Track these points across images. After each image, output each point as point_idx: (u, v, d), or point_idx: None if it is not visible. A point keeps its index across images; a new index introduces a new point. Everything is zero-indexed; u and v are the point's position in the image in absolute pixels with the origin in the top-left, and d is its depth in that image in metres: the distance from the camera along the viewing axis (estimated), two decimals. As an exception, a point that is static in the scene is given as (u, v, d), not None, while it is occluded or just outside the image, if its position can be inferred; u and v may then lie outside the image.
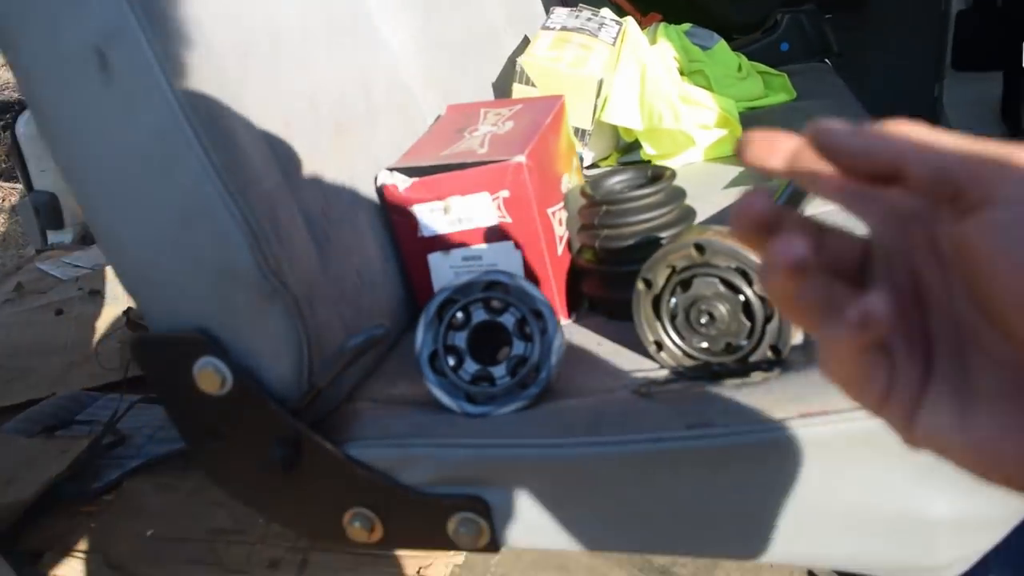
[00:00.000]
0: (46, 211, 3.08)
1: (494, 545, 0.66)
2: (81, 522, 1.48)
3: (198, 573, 1.33)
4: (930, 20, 2.14)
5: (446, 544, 0.67)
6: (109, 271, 2.74)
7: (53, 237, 3.13)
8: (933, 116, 2.21)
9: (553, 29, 1.27)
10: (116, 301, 2.48)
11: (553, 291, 0.81)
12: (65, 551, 1.40)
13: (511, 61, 1.34)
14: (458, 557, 1.32)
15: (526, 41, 1.44)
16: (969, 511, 0.57)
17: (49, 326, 2.41)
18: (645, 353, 0.70)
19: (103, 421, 1.70)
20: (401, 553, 1.30)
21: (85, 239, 3.18)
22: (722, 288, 0.65)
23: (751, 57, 1.63)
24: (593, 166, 1.33)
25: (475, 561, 1.33)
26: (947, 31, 2.15)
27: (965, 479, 0.54)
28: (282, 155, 0.70)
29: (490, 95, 1.28)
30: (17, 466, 1.57)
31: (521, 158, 0.76)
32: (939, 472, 0.55)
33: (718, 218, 0.98)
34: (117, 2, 0.57)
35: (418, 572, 1.27)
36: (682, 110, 1.22)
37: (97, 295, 2.57)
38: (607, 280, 0.80)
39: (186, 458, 1.56)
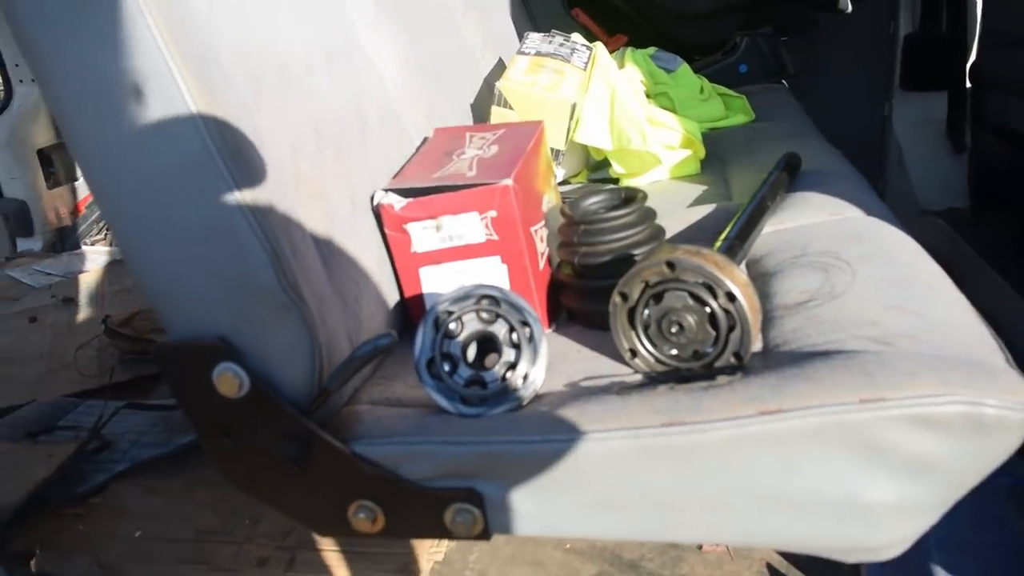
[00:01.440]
0: (16, 218, 3.11)
1: (486, 533, 0.74)
2: (70, 524, 1.52)
3: (188, 572, 1.39)
4: (879, 42, 2.25)
5: (443, 533, 0.74)
6: (82, 279, 2.77)
7: (23, 244, 3.16)
8: (882, 133, 2.32)
9: (528, 54, 1.35)
10: (91, 308, 2.52)
11: (535, 303, 0.89)
12: (55, 552, 1.44)
13: (488, 84, 1.42)
14: (438, 554, 1.39)
15: (501, 64, 1.52)
16: (907, 496, 0.65)
17: (24, 333, 2.44)
18: (621, 360, 0.78)
19: (87, 426, 1.75)
20: (384, 551, 1.37)
21: (55, 247, 3.21)
22: (690, 301, 0.73)
23: (712, 79, 1.72)
24: (564, 182, 1.41)
25: (454, 557, 1.40)
26: (895, 53, 2.26)
27: (905, 467, 0.63)
28: (291, 178, 0.77)
29: (469, 114, 1.36)
30: (3, 471, 1.61)
31: (508, 181, 0.84)
32: (881, 461, 0.63)
33: (685, 235, 1.06)
34: (153, 49, 0.64)
35: (400, 569, 1.34)
36: (649, 132, 1.31)
37: (71, 303, 2.60)
38: (585, 293, 0.88)
39: (198, 452, 1.59)
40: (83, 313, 2.51)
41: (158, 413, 1.82)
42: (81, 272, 2.83)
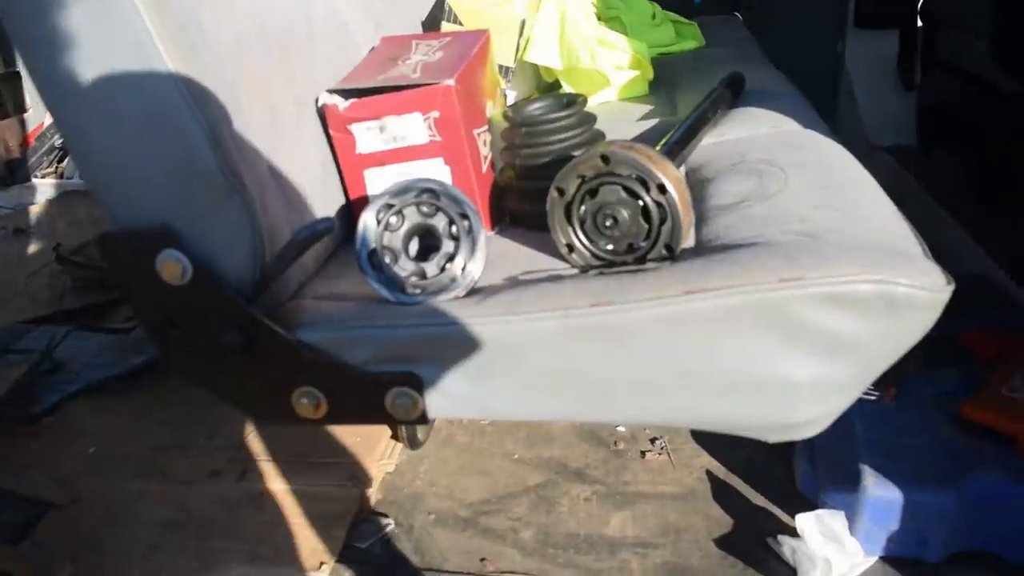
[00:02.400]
0: (-36, 152, 3.04)
1: (424, 417, 0.76)
2: (23, 443, 1.53)
3: (142, 485, 1.41)
4: (834, -21, 2.27)
5: (384, 417, 0.77)
6: (33, 211, 2.73)
7: (-29, 178, 3.09)
8: (835, 70, 2.35)
9: (480, -28, 1.34)
10: (42, 239, 2.49)
11: (479, 205, 0.91)
12: (10, 468, 1.45)
13: (439, 2, 1.41)
14: (389, 465, 1.42)
15: (454, -17, 1.51)
16: (825, 374, 0.68)
17: (-26, 265, 2.41)
18: (560, 257, 0.80)
19: (39, 350, 1.75)
20: (334, 460, 1.39)
21: (4, 180, 3.15)
22: (624, 195, 0.75)
23: (666, 7, 1.73)
24: (522, 100, 1.41)
25: (405, 468, 1.43)
26: (849, -10, 2.28)
27: (822, 345, 0.66)
28: (233, 70, 0.78)
29: (419, 31, 1.36)
30: (-46, 392, 1.61)
31: (450, 82, 0.85)
32: (799, 339, 0.66)
33: (627, 144, 1.08)
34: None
35: (351, 478, 1.37)
36: (599, 52, 1.32)
37: (22, 233, 2.57)
38: (526, 194, 0.90)
39: (152, 372, 1.61)
40: (34, 244, 2.48)
41: (111, 336, 1.82)
42: (31, 204, 2.79)
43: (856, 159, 0.94)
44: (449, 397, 0.74)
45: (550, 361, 0.71)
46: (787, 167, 0.89)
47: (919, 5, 2.25)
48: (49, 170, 3.14)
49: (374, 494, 1.37)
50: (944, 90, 2.14)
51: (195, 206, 0.72)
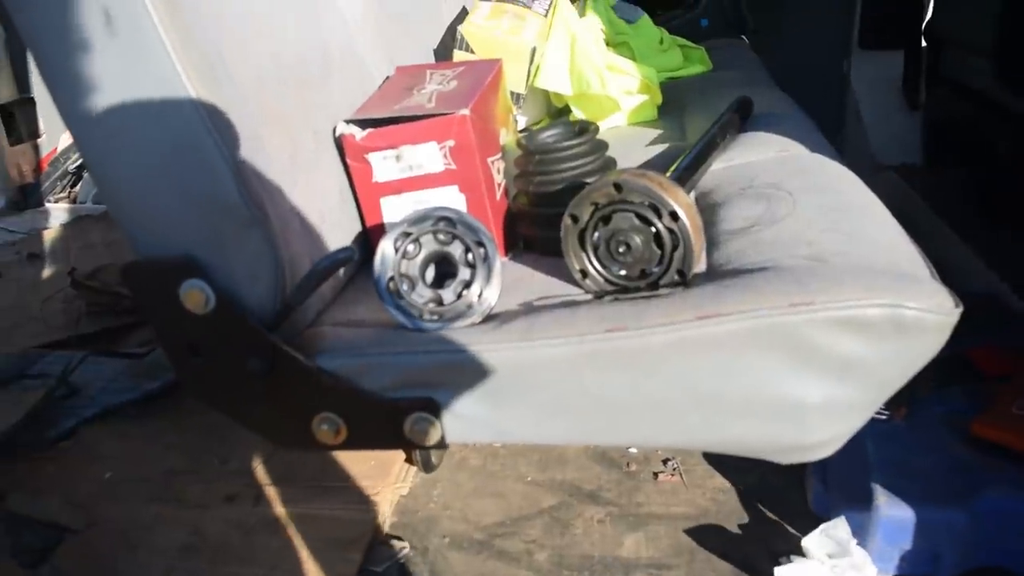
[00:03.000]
0: (-24, 177, 3.07)
1: (443, 442, 0.77)
2: (41, 467, 1.54)
3: (157, 509, 1.42)
4: (838, 1, 2.29)
5: (403, 442, 0.78)
6: (47, 235, 2.76)
7: (-16, 203, 3.13)
8: (840, 90, 2.37)
9: (490, 0, 1.37)
10: (56, 264, 2.51)
11: (493, 231, 0.92)
12: (26, 493, 1.47)
13: (451, 29, 1.44)
14: (403, 488, 1.43)
15: (464, 11, 1.54)
16: (836, 396, 0.69)
17: (-12, 288, 2.43)
18: (573, 282, 0.82)
19: (55, 375, 1.76)
20: (348, 484, 1.41)
21: (18, 205, 3.18)
22: (637, 221, 0.77)
23: (673, 32, 1.75)
24: (526, 130, 1.44)
25: (419, 491, 1.44)
26: (854, 11, 2.30)
27: (833, 368, 0.67)
28: (255, 106, 0.80)
29: (431, 59, 1.38)
30: (-28, 417, 1.62)
31: (466, 111, 0.87)
32: (811, 362, 0.68)
33: (638, 171, 1.10)
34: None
35: (365, 502, 1.38)
36: (608, 77, 1.34)
37: (36, 258, 2.60)
38: (539, 221, 0.91)
39: (167, 397, 1.62)
40: (48, 269, 2.51)
41: (126, 361, 1.84)
42: (45, 229, 2.82)
43: (862, 181, 0.95)
44: (466, 422, 0.76)
45: (565, 386, 0.72)
46: (795, 191, 0.90)
47: (923, 25, 2.27)
48: (63, 195, 3.17)
49: (388, 518, 1.38)
50: (949, 109, 2.15)
51: (219, 237, 0.74)
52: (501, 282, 0.79)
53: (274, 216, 0.75)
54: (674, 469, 1.45)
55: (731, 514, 1.34)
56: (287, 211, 0.80)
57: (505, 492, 1.43)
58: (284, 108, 0.86)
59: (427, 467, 1.49)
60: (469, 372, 0.74)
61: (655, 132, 1.30)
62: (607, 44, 1.50)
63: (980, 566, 1.15)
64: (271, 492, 1.43)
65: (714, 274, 0.78)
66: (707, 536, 1.30)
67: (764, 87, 1.49)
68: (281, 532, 1.35)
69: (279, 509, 1.39)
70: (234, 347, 0.77)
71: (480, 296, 0.78)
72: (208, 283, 0.75)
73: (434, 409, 0.76)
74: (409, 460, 1.49)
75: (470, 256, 0.79)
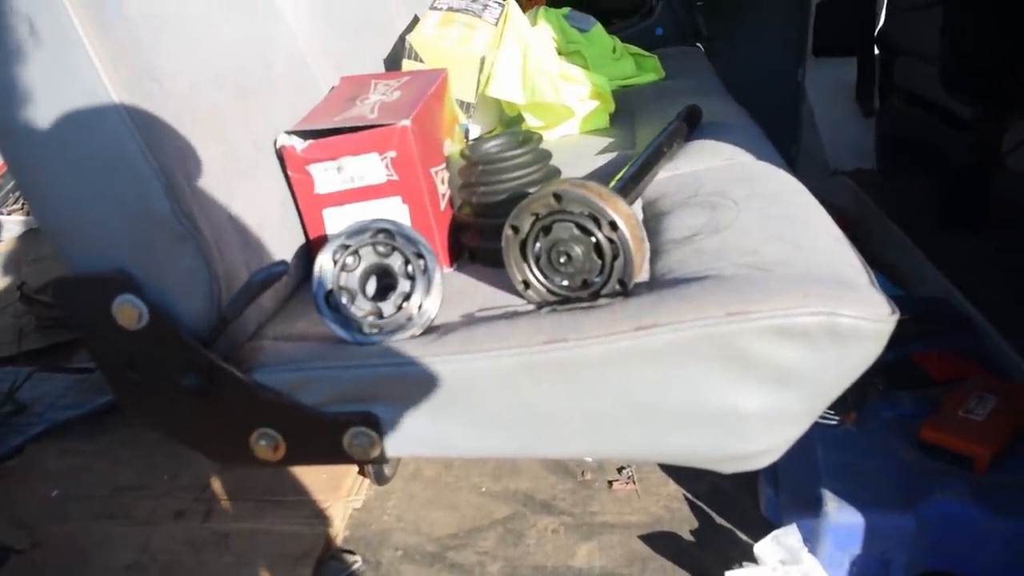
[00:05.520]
0: (-74, 191, 3.00)
1: (383, 456, 0.76)
2: (-16, 485, 1.51)
3: (105, 527, 1.39)
4: (792, 9, 2.32)
5: (342, 457, 0.77)
6: (-5, 250, 2.71)
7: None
8: (795, 97, 2.39)
9: (440, 9, 1.37)
10: (6, 278, 2.47)
11: (437, 242, 0.92)
12: (-31, 512, 1.43)
13: (401, 38, 1.43)
14: (356, 501, 1.41)
15: (416, 19, 1.53)
16: (775, 405, 0.69)
17: (-65, 303, 2.37)
18: (517, 293, 0.81)
19: (1, 391, 1.72)
20: (300, 498, 1.39)
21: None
22: (577, 232, 0.77)
23: (628, 40, 1.76)
24: (479, 138, 1.43)
25: (372, 504, 1.43)
26: (808, 19, 2.33)
27: (771, 377, 0.67)
28: (188, 116, 0.78)
29: (382, 68, 1.37)
30: (-86, 435, 1.58)
31: (407, 122, 0.86)
32: (749, 371, 0.68)
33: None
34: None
35: (317, 515, 1.36)
36: (562, 86, 1.34)
37: (-16, 273, 2.54)
38: (483, 231, 0.91)
39: (115, 413, 1.59)
40: (-2, 282, 2.46)
41: (75, 376, 1.81)
42: (-3, 242, 2.77)
43: (807, 189, 0.96)
44: (407, 436, 0.75)
45: (505, 398, 0.71)
46: (739, 200, 0.90)
47: (875, 33, 2.30)
48: (15, 207, 3.11)
49: (341, 531, 1.37)
50: (901, 116, 2.18)
51: (151, 251, 0.73)
52: (442, 293, 0.78)
53: (207, 229, 0.74)
54: (628, 477, 1.44)
55: (684, 521, 1.34)
56: (222, 223, 0.78)
57: (459, 503, 1.42)
58: (221, 118, 0.84)
59: (380, 480, 1.48)
60: (408, 385, 0.73)
61: (605, 140, 1.30)
62: (559, 53, 1.50)
63: (929, 570, 1.15)
64: (222, 507, 1.40)
65: (656, 284, 0.78)
66: (661, 544, 1.30)
67: (715, 95, 1.49)
68: (232, 548, 1.33)
69: (230, 524, 1.37)
70: (169, 363, 0.76)
71: (420, 308, 0.77)
72: (141, 298, 0.73)
73: (373, 423, 0.75)
74: (363, 472, 1.48)
75: (410, 268, 0.78)
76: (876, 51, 2.32)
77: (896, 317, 0.68)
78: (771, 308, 0.66)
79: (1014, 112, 1.74)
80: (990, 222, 1.87)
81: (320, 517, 1.36)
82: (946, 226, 1.91)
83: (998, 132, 1.78)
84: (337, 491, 1.41)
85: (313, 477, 1.44)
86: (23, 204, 3.12)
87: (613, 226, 0.74)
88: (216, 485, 1.45)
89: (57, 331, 2.03)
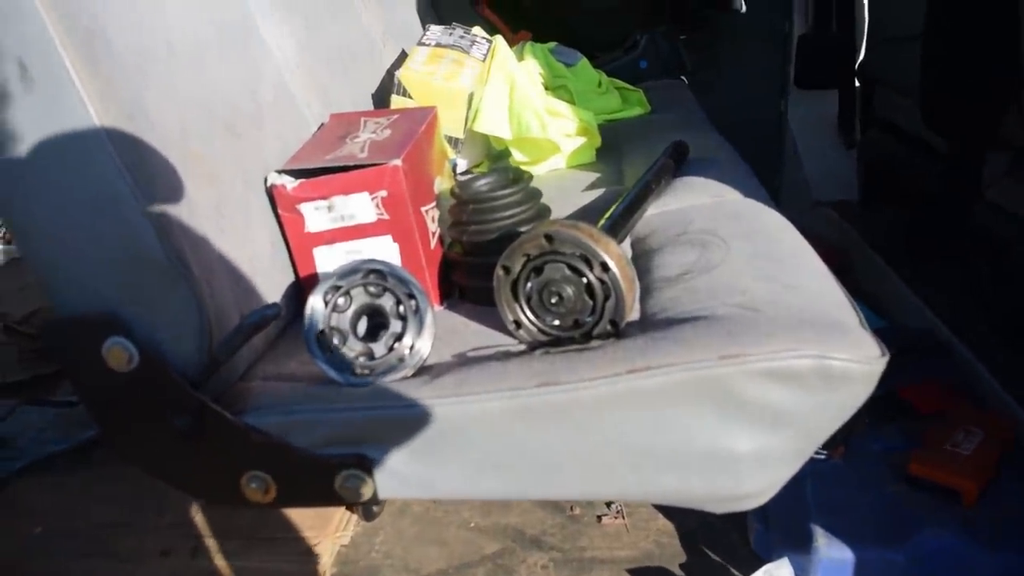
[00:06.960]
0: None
1: (375, 498, 0.76)
2: (-35, 523, 1.48)
3: (90, 564, 1.37)
4: (774, 42, 2.35)
5: (334, 499, 0.76)
6: (-22, 280, 2.68)
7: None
8: (778, 128, 2.42)
9: (428, 45, 1.38)
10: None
11: (427, 281, 0.92)
12: (-50, 551, 1.41)
13: (389, 73, 1.44)
14: (344, 537, 1.40)
15: (403, 55, 1.54)
16: (767, 447, 0.70)
17: (-83, 334, 2.35)
18: (508, 332, 0.81)
19: (-17, 425, 1.70)
20: (288, 535, 1.37)
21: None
22: (568, 272, 0.77)
23: (613, 73, 1.77)
24: (467, 172, 1.44)
25: (360, 540, 1.41)
26: (790, 52, 2.36)
27: (763, 419, 0.67)
28: (180, 155, 0.78)
29: (370, 104, 1.38)
30: None
31: (397, 162, 0.87)
32: (741, 414, 0.68)
33: (574, 216, 1.10)
34: (35, 21, 0.65)
35: (305, 553, 1.35)
36: (549, 121, 1.35)
37: (-32, 303, 2.52)
38: (474, 270, 0.91)
39: (100, 447, 1.58)
40: (-22, 314, 2.43)
41: (58, 410, 1.79)
42: (-22, 272, 2.74)
43: (792, 224, 0.97)
44: (398, 478, 0.74)
45: (498, 441, 0.71)
46: (728, 237, 0.91)
47: (856, 66, 2.33)
48: (-4, 237, 3.09)
49: (329, 568, 1.35)
50: (882, 148, 2.21)
51: (141, 293, 0.72)
52: (433, 333, 0.78)
53: (198, 269, 0.74)
54: (618, 512, 1.44)
55: (674, 556, 1.33)
56: (212, 262, 0.78)
57: (448, 539, 1.41)
58: (211, 156, 0.84)
59: (368, 516, 1.47)
60: (400, 428, 0.73)
61: (593, 176, 1.31)
62: (546, 87, 1.51)
63: (919, 604, 1.16)
64: (208, 545, 1.39)
65: (648, 323, 0.79)
66: (651, 580, 1.29)
67: (700, 129, 1.51)
68: (218, 586, 1.31)
69: (217, 562, 1.35)
70: (159, 405, 0.75)
71: (412, 349, 0.77)
72: (131, 340, 0.73)
73: (365, 466, 0.74)
74: (350, 508, 1.47)
75: (401, 308, 0.78)
76: (857, 83, 2.34)
77: (886, 359, 0.69)
78: (763, 351, 0.67)
79: (991, 145, 1.76)
80: (969, 252, 1.89)
81: (308, 555, 1.34)
82: (925, 256, 1.93)
83: (976, 164, 1.81)
84: (325, 528, 1.40)
85: (301, 514, 1.43)
86: (5, 234, 3.10)
87: (604, 267, 0.75)
88: (202, 522, 1.44)
89: (40, 363, 2.01)
